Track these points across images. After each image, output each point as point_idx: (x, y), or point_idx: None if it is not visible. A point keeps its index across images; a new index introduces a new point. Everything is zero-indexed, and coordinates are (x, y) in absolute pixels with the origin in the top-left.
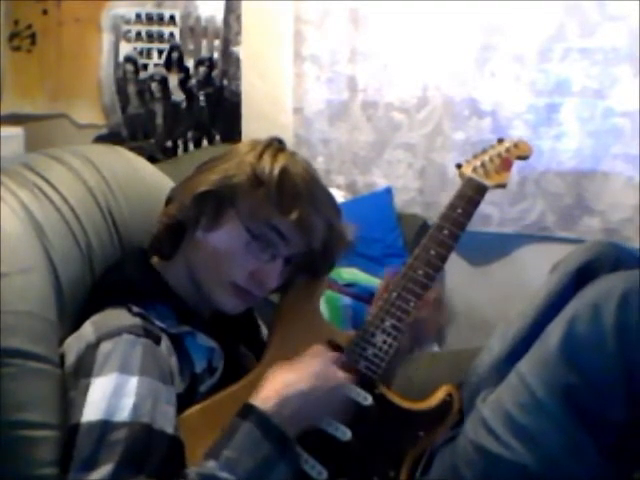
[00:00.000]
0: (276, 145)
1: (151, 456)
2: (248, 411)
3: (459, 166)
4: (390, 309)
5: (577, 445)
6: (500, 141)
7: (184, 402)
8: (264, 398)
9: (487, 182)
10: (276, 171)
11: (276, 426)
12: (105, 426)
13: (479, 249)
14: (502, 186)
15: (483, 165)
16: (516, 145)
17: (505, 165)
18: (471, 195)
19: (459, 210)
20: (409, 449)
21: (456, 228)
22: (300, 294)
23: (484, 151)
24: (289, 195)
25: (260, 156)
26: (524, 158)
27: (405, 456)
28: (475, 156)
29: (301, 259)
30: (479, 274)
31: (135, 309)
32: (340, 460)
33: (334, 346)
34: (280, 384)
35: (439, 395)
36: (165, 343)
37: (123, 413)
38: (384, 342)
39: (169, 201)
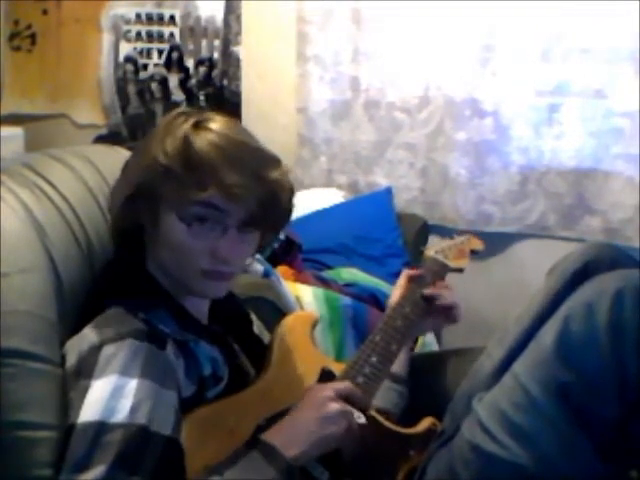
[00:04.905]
0: (181, 117)
1: (146, 458)
2: (255, 443)
3: (421, 252)
4: (375, 348)
5: (572, 444)
6: (452, 237)
7: (193, 406)
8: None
9: (448, 263)
10: (176, 150)
11: (282, 455)
12: (101, 427)
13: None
14: (460, 270)
15: (443, 251)
16: (469, 240)
17: (462, 254)
18: (436, 270)
19: (428, 279)
20: (402, 464)
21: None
22: (295, 323)
23: (441, 241)
24: (198, 169)
25: (162, 140)
26: (476, 252)
27: (399, 469)
28: (433, 245)
29: (257, 219)
30: (479, 273)
31: (141, 315)
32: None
33: (327, 372)
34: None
35: (425, 423)
36: (171, 347)
37: (120, 415)
38: (372, 373)
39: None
